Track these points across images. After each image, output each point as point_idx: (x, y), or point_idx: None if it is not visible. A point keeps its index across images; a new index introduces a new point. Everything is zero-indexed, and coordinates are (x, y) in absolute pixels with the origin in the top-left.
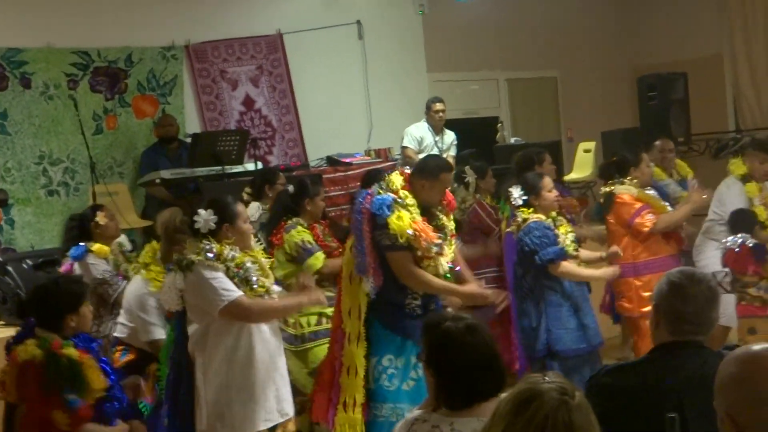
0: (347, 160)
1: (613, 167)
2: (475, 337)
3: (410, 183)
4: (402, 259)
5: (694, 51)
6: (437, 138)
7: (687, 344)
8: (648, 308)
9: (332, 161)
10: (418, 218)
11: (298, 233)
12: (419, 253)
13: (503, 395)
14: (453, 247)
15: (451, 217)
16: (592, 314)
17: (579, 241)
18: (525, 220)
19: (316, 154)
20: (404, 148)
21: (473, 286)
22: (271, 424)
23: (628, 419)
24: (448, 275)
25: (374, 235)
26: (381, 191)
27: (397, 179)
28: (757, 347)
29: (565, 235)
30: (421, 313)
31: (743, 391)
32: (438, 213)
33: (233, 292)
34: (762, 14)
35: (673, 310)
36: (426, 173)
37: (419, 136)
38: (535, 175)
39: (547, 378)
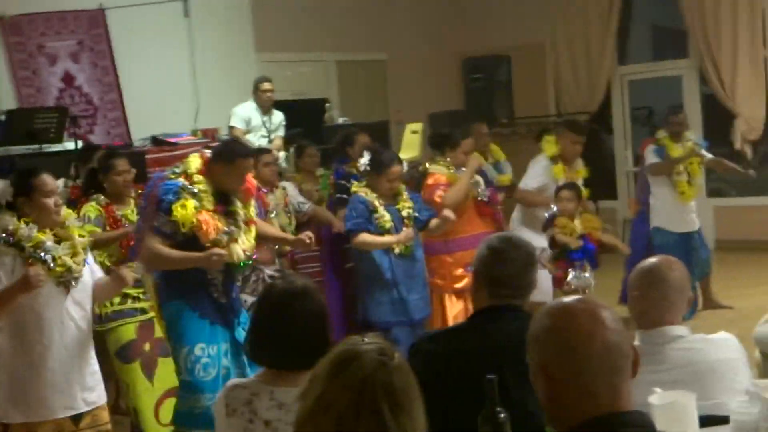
0: (173, 140)
1: (438, 139)
2: (299, 301)
3: (208, 167)
4: (151, 237)
5: (518, 37)
6: (265, 118)
7: (506, 308)
8: (460, 284)
9: (157, 141)
10: (208, 207)
11: (87, 208)
12: (207, 244)
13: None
14: (252, 235)
15: (252, 203)
16: (418, 290)
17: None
18: (354, 192)
19: (140, 133)
20: (231, 128)
21: (201, 253)
22: (73, 413)
23: (450, 384)
24: (247, 262)
25: (157, 217)
26: (173, 176)
27: (194, 162)
28: (567, 299)
29: (401, 210)
30: (224, 301)
31: (555, 342)
32: (234, 199)
33: None
34: (581, 4)
35: (492, 274)
36: (223, 158)
37: (247, 116)
38: (390, 158)
39: (366, 339)
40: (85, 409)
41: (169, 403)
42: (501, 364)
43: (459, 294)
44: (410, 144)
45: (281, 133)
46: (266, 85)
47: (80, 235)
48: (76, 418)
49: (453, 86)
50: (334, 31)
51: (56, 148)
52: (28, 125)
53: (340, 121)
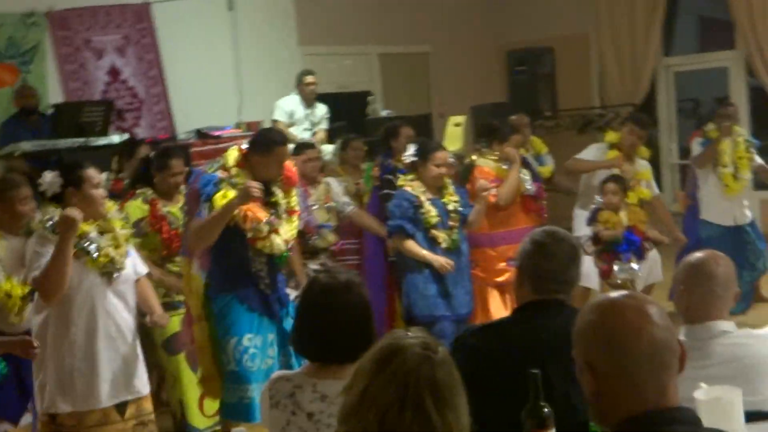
0: (217, 134)
1: (486, 131)
2: (342, 294)
3: (246, 159)
4: (193, 224)
5: (561, 29)
6: (308, 111)
7: (550, 303)
8: (502, 278)
9: (201, 134)
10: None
11: (131, 206)
12: (249, 234)
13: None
14: (293, 224)
15: (294, 192)
16: (463, 284)
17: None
18: (400, 186)
19: (185, 126)
20: (275, 121)
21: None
22: (117, 401)
23: (494, 379)
24: (285, 254)
25: (200, 209)
26: (211, 169)
27: (232, 155)
28: (614, 295)
29: (447, 204)
30: (270, 293)
31: (602, 338)
32: (274, 189)
33: (38, 270)
34: None
35: (536, 269)
36: (260, 148)
37: (290, 110)
38: (435, 144)
39: (409, 333)
40: (130, 397)
41: None
42: (545, 359)
43: (500, 287)
44: (453, 136)
45: (324, 126)
46: (309, 78)
47: (122, 227)
48: (121, 410)
49: (496, 79)
50: (376, 24)
51: (102, 141)
52: (75, 119)
53: (384, 114)
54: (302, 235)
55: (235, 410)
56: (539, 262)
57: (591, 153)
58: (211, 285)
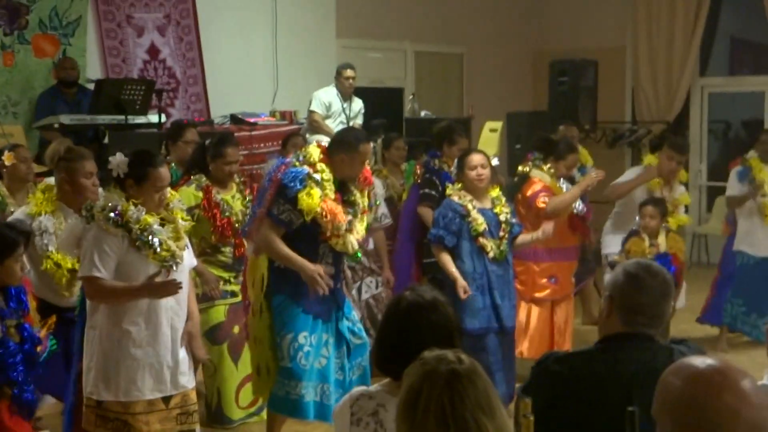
0: (252, 120)
1: (544, 144)
2: (427, 313)
3: (328, 157)
4: (269, 226)
5: (599, 40)
6: (345, 105)
7: (638, 336)
8: (541, 294)
9: (236, 120)
10: (331, 195)
11: (185, 193)
12: (327, 233)
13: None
14: (365, 224)
15: (366, 192)
16: (510, 297)
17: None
18: (448, 195)
19: (219, 110)
20: (311, 112)
21: (309, 264)
22: (160, 395)
23: (577, 408)
24: (359, 254)
25: (276, 204)
26: (297, 163)
27: (315, 152)
28: (708, 368)
29: (499, 214)
30: (328, 294)
31: (695, 415)
32: (352, 188)
33: (97, 269)
34: (666, 9)
35: (628, 302)
36: (345, 146)
37: (327, 102)
38: (468, 150)
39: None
40: (173, 392)
41: (249, 388)
42: (629, 394)
43: (538, 302)
44: (488, 142)
45: (360, 120)
46: (349, 72)
47: (183, 219)
48: (166, 399)
49: (529, 86)
50: (414, 21)
51: (140, 119)
52: (115, 95)
53: (422, 114)
54: None
55: (281, 404)
56: (632, 295)
57: (631, 176)
58: (270, 279)
